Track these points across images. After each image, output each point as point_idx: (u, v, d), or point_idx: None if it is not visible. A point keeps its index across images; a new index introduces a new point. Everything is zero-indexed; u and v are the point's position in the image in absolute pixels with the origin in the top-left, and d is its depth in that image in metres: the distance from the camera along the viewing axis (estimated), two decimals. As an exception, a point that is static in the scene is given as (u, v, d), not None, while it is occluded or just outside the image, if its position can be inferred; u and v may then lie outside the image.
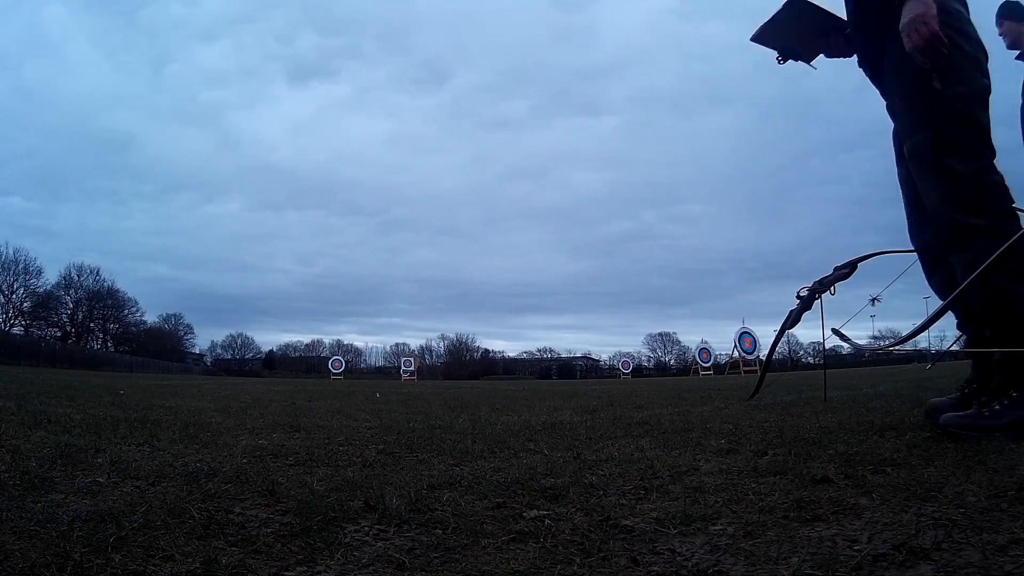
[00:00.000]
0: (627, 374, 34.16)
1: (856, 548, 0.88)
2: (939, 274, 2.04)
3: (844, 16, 2.11)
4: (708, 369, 26.69)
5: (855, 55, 2.13)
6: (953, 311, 2.02)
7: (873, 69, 2.07)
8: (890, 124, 2.07)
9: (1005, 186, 1.83)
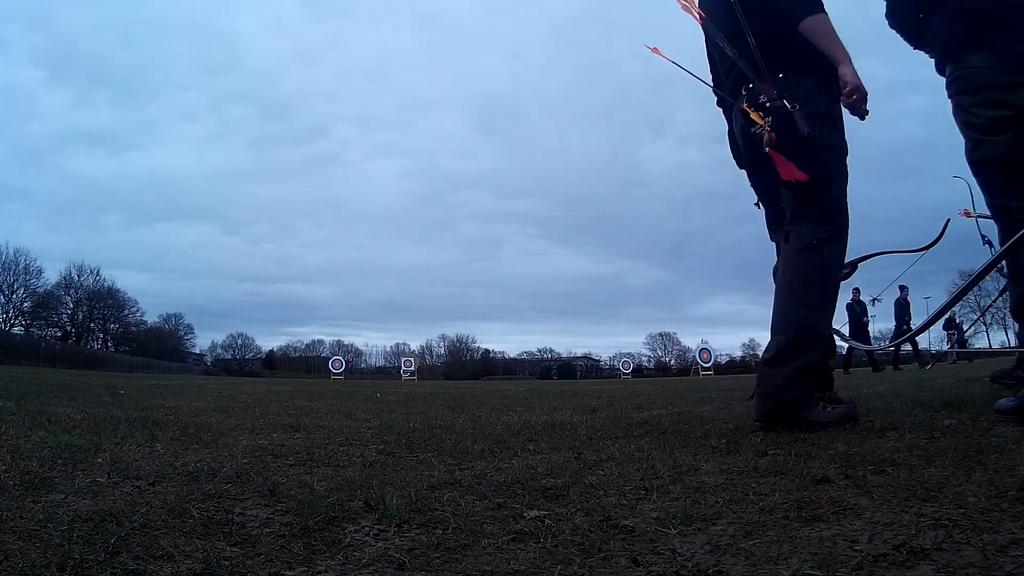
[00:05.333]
0: (627, 374, 34.14)
1: (856, 548, 0.88)
2: None
3: None
4: (708, 369, 27.11)
5: None
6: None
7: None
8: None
9: None
